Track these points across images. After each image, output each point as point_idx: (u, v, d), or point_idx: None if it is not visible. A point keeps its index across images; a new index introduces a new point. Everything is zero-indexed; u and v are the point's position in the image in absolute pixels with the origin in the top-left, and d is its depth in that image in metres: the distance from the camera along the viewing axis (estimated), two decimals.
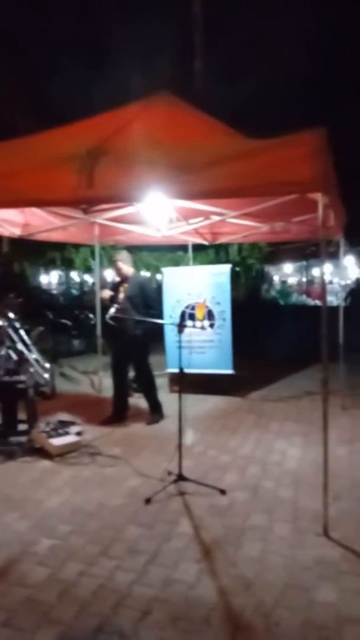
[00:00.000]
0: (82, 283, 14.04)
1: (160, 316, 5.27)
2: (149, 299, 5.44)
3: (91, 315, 10.02)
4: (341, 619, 2.37)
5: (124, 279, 5.58)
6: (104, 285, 6.49)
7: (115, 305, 4.61)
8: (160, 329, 6.14)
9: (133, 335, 5.31)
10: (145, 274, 8.42)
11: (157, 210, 5.35)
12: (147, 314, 5.26)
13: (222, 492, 3.71)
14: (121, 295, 5.44)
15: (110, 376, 5.71)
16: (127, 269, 5.61)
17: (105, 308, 5.42)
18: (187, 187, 3.29)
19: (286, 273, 22.57)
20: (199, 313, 6.78)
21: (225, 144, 3.94)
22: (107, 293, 5.53)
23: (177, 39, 11.03)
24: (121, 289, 5.51)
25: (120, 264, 5.58)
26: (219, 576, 2.71)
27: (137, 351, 5.49)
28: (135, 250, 8.55)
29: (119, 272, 5.62)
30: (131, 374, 5.94)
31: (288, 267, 22.28)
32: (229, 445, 4.80)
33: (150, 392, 5.67)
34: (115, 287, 5.62)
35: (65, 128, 4.26)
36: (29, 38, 11.66)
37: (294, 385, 7.34)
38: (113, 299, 5.44)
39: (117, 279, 5.69)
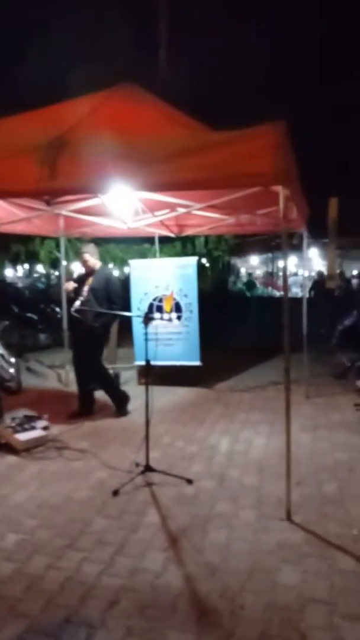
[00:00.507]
0: (48, 276, 13.84)
1: (120, 311, 5.24)
2: (112, 293, 5.40)
3: (57, 309, 9.90)
4: (303, 600, 2.46)
5: (90, 271, 5.54)
6: (69, 278, 6.41)
7: (81, 298, 4.57)
8: (126, 323, 6.13)
9: (91, 328, 5.26)
10: (112, 266, 8.34)
11: (122, 202, 5.33)
12: (109, 308, 5.24)
13: (189, 481, 3.76)
14: (85, 288, 5.40)
15: (73, 370, 5.66)
16: (94, 261, 5.57)
17: (70, 301, 5.36)
18: (150, 179, 3.28)
19: (252, 265, 22.79)
20: (166, 305, 6.78)
21: (188, 136, 3.96)
22: (71, 285, 5.50)
23: (140, 27, 10.93)
24: (87, 281, 5.48)
25: (87, 257, 5.54)
26: (186, 563, 2.76)
27: (90, 345, 5.43)
28: (101, 242, 8.47)
29: (85, 264, 5.57)
30: None
31: (254, 259, 22.49)
32: (197, 436, 4.86)
33: (107, 386, 5.62)
34: (80, 279, 5.58)
35: (26, 116, 4.20)
36: None
37: (260, 376, 7.47)
38: (77, 292, 5.41)
39: (83, 271, 5.64)
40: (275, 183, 3.24)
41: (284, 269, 3.75)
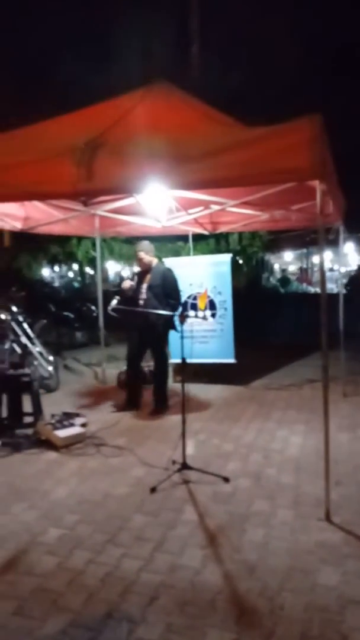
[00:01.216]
0: (83, 275, 14.05)
1: (177, 308, 5.27)
2: (168, 289, 5.42)
3: (93, 308, 10.04)
4: (343, 601, 2.42)
5: (147, 269, 5.55)
6: (105, 277, 6.51)
7: (141, 296, 4.62)
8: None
9: (154, 325, 5.32)
10: None
11: (157, 201, 5.36)
12: (167, 304, 5.29)
13: (226, 479, 3.76)
14: (144, 286, 5.46)
15: (126, 365, 5.72)
16: (149, 259, 5.59)
17: (130, 299, 5.38)
18: (186, 177, 3.29)
19: (287, 261, 22.53)
20: (200, 303, 6.80)
21: (222, 133, 3.94)
22: (128, 283, 5.53)
23: (173, 25, 10.93)
24: (144, 279, 5.52)
25: (141, 254, 5.55)
26: (224, 561, 2.76)
27: (155, 341, 5.53)
28: (135, 241, 8.55)
29: (140, 262, 5.58)
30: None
31: (288, 255, 22.23)
32: (232, 434, 4.85)
33: (161, 382, 5.67)
34: (139, 277, 5.60)
35: (63, 118, 4.26)
36: (23, 25, 11.54)
37: (296, 373, 7.38)
38: (136, 290, 5.47)
39: (139, 269, 5.66)
40: (312, 178, 3.19)
41: (321, 265, 3.69)
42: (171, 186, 3.51)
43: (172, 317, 4.92)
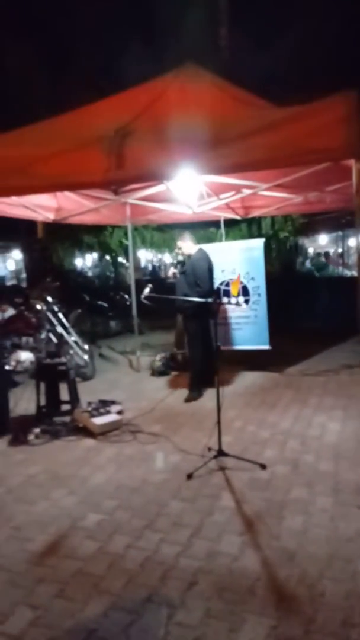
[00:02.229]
0: (116, 264, 14.15)
1: (204, 294, 5.24)
2: (196, 277, 5.51)
3: (126, 296, 10.11)
4: None
5: (189, 257, 5.73)
6: (137, 265, 6.58)
7: (150, 285, 4.68)
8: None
9: (183, 311, 5.63)
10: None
11: (188, 187, 5.32)
12: (195, 291, 5.38)
13: (263, 466, 3.73)
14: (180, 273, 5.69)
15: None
16: (188, 247, 5.72)
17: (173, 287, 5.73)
18: (218, 162, 3.25)
19: (321, 244, 22.02)
20: (233, 289, 6.73)
21: (254, 115, 3.86)
22: (171, 271, 5.84)
23: (199, 8, 10.72)
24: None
25: (180, 244, 5.75)
26: (262, 548, 2.75)
27: (189, 326, 5.72)
28: (167, 229, 8.53)
29: (181, 252, 5.78)
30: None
31: (323, 239, 21.71)
32: (268, 420, 4.81)
33: (200, 364, 5.68)
34: (183, 265, 5.81)
35: (91, 107, 4.26)
36: (51, 13, 11.54)
37: (332, 359, 7.24)
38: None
39: (181, 258, 5.90)
40: (347, 157, 3.11)
41: (358, 247, 3.58)
42: (203, 171, 3.48)
43: (202, 303, 4.91)
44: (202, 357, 5.64)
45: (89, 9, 10.90)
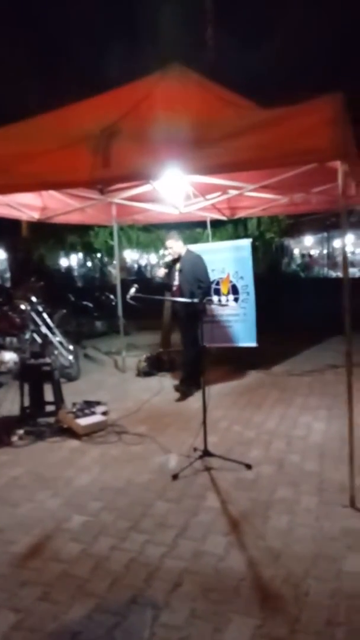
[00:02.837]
0: (102, 265, 14.08)
1: (208, 289, 5.58)
2: (198, 274, 5.60)
3: (112, 297, 10.07)
4: None
5: (178, 257, 5.75)
6: (123, 266, 6.58)
7: (136, 285, 4.65)
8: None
9: (181, 311, 5.69)
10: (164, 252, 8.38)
11: (174, 187, 5.31)
12: (198, 288, 5.48)
13: (248, 466, 3.74)
14: (176, 272, 5.71)
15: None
16: (178, 246, 5.76)
17: (165, 286, 5.96)
18: (204, 162, 3.23)
19: (307, 246, 22.20)
20: (223, 288, 6.79)
21: (240, 115, 3.86)
22: (161, 271, 5.92)
23: (185, 9, 10.72)
24: (176, 266, 5.74)
25: (170, 243, 5.78)
26: (248, 548, 2.75)
27: (183, 325, 5.82)
28: (153, 229, 8.51)
29: (172, 251, 5.79)
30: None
31: (308, 240, 21.89)
32: (254, 420, 4.82)
33: (192, 364, 5.64)
34: (171, 265, 5.84)
35: (78, 106, 4.22)
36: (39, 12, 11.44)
37: (317, 359, 7.30)
38: (169, 277, 5.81)
39: (171, 257, 5.86)
40: (333, 158, 3.11)
41: (343, 248, 3.60)
42: (189, 171, 3.46)
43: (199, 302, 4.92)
44: (196, 358, 5.62)
45: (76, 9, 10.85)
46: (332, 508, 3.14)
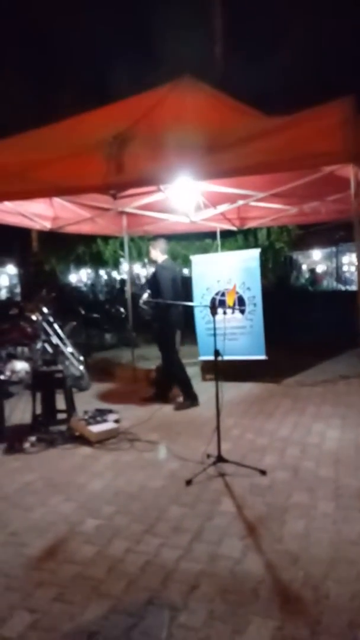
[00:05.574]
0: (112, 278, 14.15)
1: (164, 305, 5.23)
2: (159, 285, 5.31)
3: (122, 309, 10.10)
4: None
5: (154, 263, 5.65)
6: (133, 278, 6.57)
7: (148, 291, 4.67)
8: (188, 318, 6.10)
9: (153, 320, 5.51)
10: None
11: (185, 196, 5.35)
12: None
13: (263, 472, 3.69)
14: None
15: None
16: (155, 255, 5.60)
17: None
18: (217, 167, 3.27)
19: (315, 260, 22.17)
20: (229, 299, 6.73)
21: (251, 122, 3.92)
22: (145, 295, 5.61)
23: (196, 22, 10.92)
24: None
25: (150, 249, 5.62)
26: (265, 551, 2.71)
27: (157, 336, 5.63)
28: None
29: (149, 258, 5.66)
30: None
31: (317, 254, 21.87)
32: (266, 429, 4.78)
33: (176, 377, 5.64)
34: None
35: (91, 114, 4.31)
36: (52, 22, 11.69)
37: (328, 370, 7.24)
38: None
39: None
40: (345, 161, 3.15)
41: (358, 258, 3.61)
42: (202, 176, 3.51)
43: (164, 312, 4.87)
44: (175, 371, 5.60)
45: (87, 20, 11.07)
46: (350, 513, 3.09)
